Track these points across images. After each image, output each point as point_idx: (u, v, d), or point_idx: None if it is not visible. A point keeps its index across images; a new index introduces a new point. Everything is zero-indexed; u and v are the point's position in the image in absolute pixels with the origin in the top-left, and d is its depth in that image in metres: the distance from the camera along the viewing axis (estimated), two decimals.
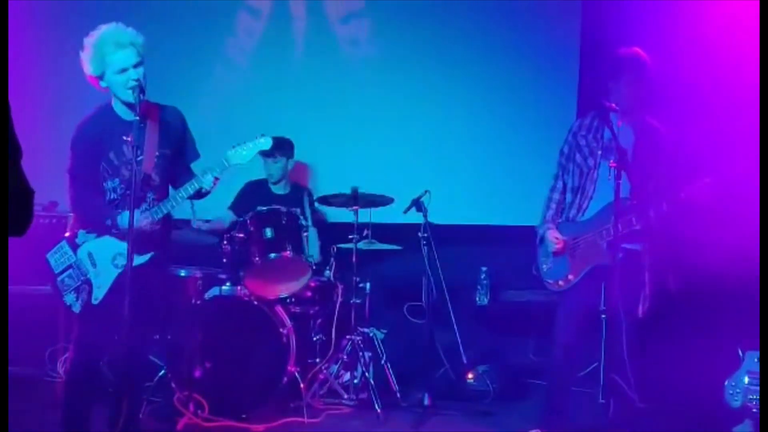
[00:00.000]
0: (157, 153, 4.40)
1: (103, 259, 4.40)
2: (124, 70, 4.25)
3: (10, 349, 2.89)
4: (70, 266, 4.42)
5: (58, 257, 4.44)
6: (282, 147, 6.56)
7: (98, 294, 4.38)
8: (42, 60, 7.12)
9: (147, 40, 4.37)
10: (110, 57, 4.24)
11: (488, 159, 7.44)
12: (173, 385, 5.55)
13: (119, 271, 4.37)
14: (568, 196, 4.98)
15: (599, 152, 4.81)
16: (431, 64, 7.48)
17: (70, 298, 4.41)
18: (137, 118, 4.20)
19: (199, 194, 4.47)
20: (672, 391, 5.47)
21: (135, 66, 4.26)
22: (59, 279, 4.43)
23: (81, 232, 4.44)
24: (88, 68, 4.30)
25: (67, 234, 4.51)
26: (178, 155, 4.53)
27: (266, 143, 4.51)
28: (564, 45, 7.43)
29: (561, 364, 4.90)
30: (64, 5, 7.22)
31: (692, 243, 5.32)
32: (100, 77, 4.31)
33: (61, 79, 6.91)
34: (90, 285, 4.39)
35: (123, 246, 4.29)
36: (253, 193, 6.61)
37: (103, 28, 4.29)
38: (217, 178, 4.39)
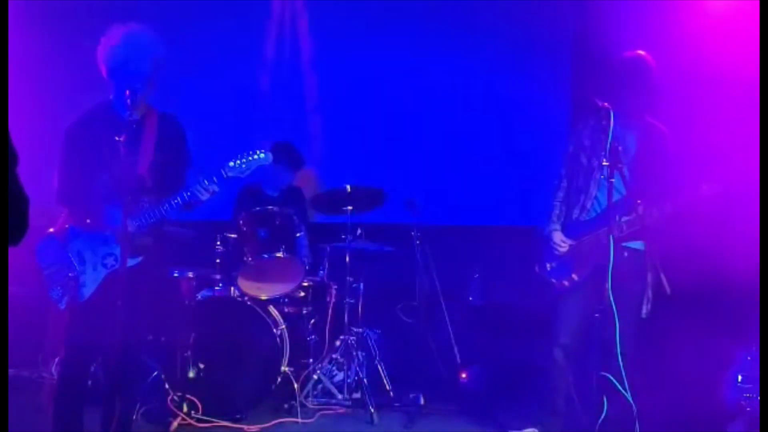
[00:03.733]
0: (152, 156, 4.39)
1: (92, 258, 4.38)
2: (133, 80, 4.27)
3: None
4: (57, 261, 4.39)
5: (46, 250, 4.41)
6: (294, 161, 6.56)
7: (85, 292, 4.35)
8: (39, 61, 7.12)
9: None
10: (129, 64, 4.26)
11: (481, 160, 7.45)
12: (167, 386, 5.54)
13: (108, 271, 4.36)
14: (573, 196, 4.97)
15: (603, 153, 4.80)
16: (425, 64, 7.49)
17: (56, 294, 4.39)
18: (131, 118, 4.21)
19: (190, 204, 4.46)
20: (667, 391, 5.48)
21: (145, 80, 4.29)
22: (45, 273, 4.41)
23: (72, 228, 4.42)
24: (104, 58, 4.32)
25: (53, 229, 4.47)
26: (172, 162, 4.52)
27: (267, 159, 4.48)
28: (556, 45, 7.44)
29: (560, 363, 4.91)
30: (77, 4, 7.22)
31: (692, 243, 5.32)
32: (110, 71, 4.32)
33: (56, 82, 6.93)
34: (77, 282, 4.36)
35: (113, 246, 4.29)
36: (248, 197, 6.59)
37: (137, 31, 4.32)
38: (214, 191, 4.38)
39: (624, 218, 4.65)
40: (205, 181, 4.34)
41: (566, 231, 4.94)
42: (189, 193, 4.35)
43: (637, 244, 4.75)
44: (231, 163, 4.40)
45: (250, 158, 4.43)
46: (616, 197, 4.55)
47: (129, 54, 4.26)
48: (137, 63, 4.26)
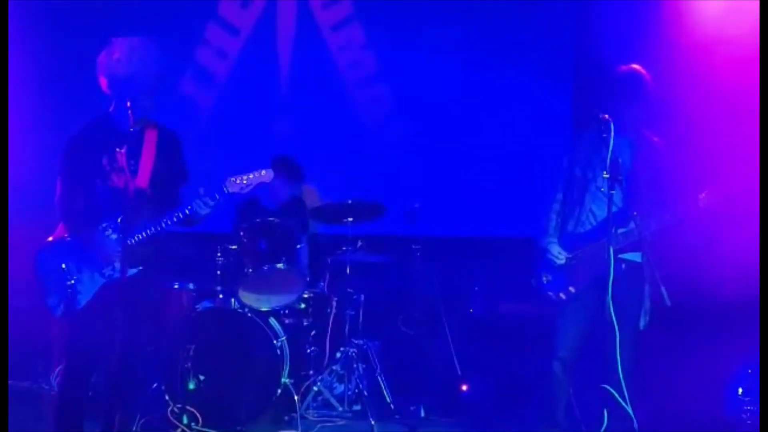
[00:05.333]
0: (152, 169, 4.41)
1: (89, 267, 4.39)
2: (134, 92, 4.28)
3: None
4: (55, 269, 4.39)
5: (45, 259, 4.42)
6: (294, 174, 6.57)
7: (81, 300, 4.36)
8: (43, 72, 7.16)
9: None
10: (132, 77, 4.28)
11: (482, 171, 7.45)
12: (167, 397, 5.53)
13: (104, 280, 4.37)
14: (568, 209, 4.98)
15: (598, 165, 4.81)
16: (423, 75, 7.50)
17: (52, 301, 4.39)
18: (132, 130, 4.24)
19: (190, 220, 4.46)
20: (668, 404, 5.48)
21: (146, 93, 4.30)
22: (44, 280, 4.41)
23: (71, 237, 4.43)
24: (106, 71, 4.34)
25: (53, 237, 4.49)
26: (170, 176, 4.54)
27: (268, 177, 4.48)
28: (557, 57, 7.45)
29: (559, 376, 4.90)
30: (82, 12, 7.27)
31: (691, 254, 5.33)
32: (111, 84, 4.34)
33: (61, 94, 6.97)
34: (74, 291, 4.36)
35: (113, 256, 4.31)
36: (248, 208, 6.60)
37: (138, 44, 4.35)
38: (213, 206, 4.38)
39: (620, 230, 4.65)
40: (207, 197, 4.35)
41: (562, 244, 4.94)
42: (190, 208, 4.36)
43: (635, 256, 4.75)
44: (232, 180, 4.40)
45: (252, 176, 4.43)
46: (612, 209, 4.55)
47: (132, 67, 4.28)
48: (140, 76, 4.28)
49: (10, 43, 5.84)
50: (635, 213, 4.64)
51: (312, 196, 7.24)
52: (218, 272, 6.01)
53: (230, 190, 4.40)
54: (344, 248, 6.20)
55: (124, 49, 4.32)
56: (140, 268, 4.37)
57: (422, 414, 5.99)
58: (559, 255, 4.89)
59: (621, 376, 4.38)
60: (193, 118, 7.56)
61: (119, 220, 4.29)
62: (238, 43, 7.67)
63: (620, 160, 4.61)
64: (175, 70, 7.49)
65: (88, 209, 4.40)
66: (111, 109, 4.44)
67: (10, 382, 4.57)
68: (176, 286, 6.05)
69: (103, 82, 4.37)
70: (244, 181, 4.41)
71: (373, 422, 5.69)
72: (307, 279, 6.06)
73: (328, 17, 7.64)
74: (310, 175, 6.98)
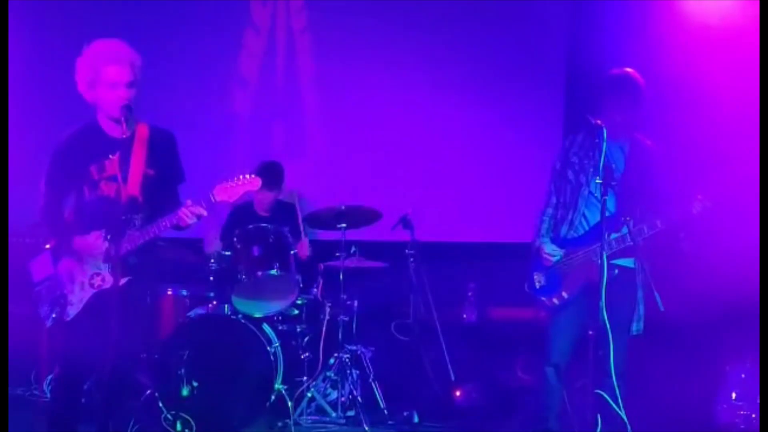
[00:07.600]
0: (143, 174, 4.35)
1: (80, 277, 4.35)
2: (115, 85, 4.22)
3: None
4: (48, 278, 4.37)
5: (40, 267, 4.40)
6: (274, 181, 6.52)
7: (71, 311, 4.31)
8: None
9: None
10: (104, 69, 4.21)
11: (475, 176, 7.45)
12: (160, 404, 5.52)
13: (94, 291, 4.32)
14: (561, 213, 4.98)
15: (590, 170, 4.82)
16: (418, 80, 7.50)
17: (43, 311, 4.36)
18: (125, 136, 4.19)
19: (179, 226, 4.39)
20: (661, 409, 5.49)
21: (127, 85, 4.23)
22: (36, 289, 4.39)
23: (64, 245, 4.41)
24: (81, 76, 4.27)
25: (49, 246, 4.46)
26: (163, 178, 4.45)
27: (254, 183, 4.36)
28: (550, 61, 7.46)
29: (551, 382, 4.90)
30: (67, 15, 7.25)
31: (684, 260, 5.34)
32: (91, 88, 4.27)
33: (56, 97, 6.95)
34: (65, 301, 4.33)
35: (100, 266, 4.28)
36: (240, 217, 6.57)
37: (104, 41, 4.29)
38: (201, 215, 4.27)
39: (613, 235, 4.66)
40: (194, 208, 4.28)
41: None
42: (177, 218, 4.28)
43: (627, 262, 4.75)
44: (218, 187, 4.30)
45: (239, 180, 4.33)
46: (605, 214, 4.55)
47: (102, 64, 4.21)
48: (114, 71, 4.19)
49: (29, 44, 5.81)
50: (628, 218, 4.64)
51: (294, 199, 7.24)
52: (211, 278, 6.00)
53: (217, 198, 4.28)
54: (338, 254, 6.20)
55: (96, 52, 4.25)
56: (128, 278, 4.30)
57: (416, 420, 5.99)
58: (553, 252, 4.88)
59: (614, 381, 4.38)
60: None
61: (109, 236, 4.24)
62: (261, 42, 7.66)
63: (613, 165, 4.63)
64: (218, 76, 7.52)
65: (73, 219, 4.36)
66: (97, 116, 4.36)
67: None
68: (169, 293, 6.05)
69: (84, 89, 4.28)
70: (231, 189, 4.33)
71: (366, 428, 5.70)
72: (301, 285, 6.05)
73: (300, 21, 7.67)
74: (301, 180, 6.99)
